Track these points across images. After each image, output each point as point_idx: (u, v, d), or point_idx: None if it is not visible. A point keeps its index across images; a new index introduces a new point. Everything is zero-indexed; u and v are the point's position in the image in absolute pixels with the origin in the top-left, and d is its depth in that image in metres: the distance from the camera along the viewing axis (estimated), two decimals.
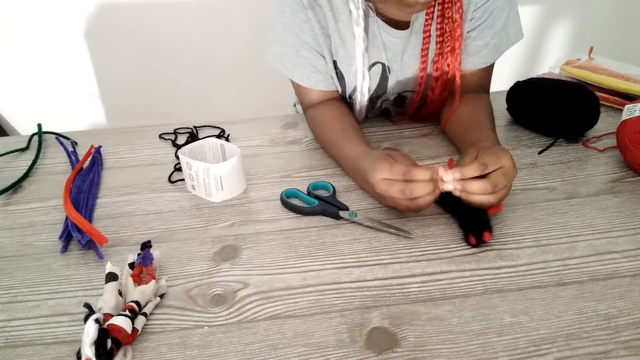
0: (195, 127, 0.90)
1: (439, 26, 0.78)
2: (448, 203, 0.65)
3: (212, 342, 0.50)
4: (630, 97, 0.89)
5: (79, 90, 1.76)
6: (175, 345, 0.49)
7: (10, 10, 1.59)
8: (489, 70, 0.84)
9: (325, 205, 0.67)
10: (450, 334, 0.49)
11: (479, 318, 0.51)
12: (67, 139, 0.89)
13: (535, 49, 1.88)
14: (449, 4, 0.75)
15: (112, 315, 0.49)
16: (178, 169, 0.79)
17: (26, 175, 0.79)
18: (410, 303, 0.53)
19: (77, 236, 0.62)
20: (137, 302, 0.51)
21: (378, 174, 0.62)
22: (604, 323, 0.49)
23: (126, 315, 0.49)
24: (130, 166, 0.81)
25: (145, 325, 0.51)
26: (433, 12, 0.77)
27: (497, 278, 0.55)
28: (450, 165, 0.74)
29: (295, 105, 1.14)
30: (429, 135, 0.85)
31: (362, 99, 0.82)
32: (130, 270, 0.55)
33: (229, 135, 0.88)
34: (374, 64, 0.81)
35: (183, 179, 0.74)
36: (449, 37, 0.77)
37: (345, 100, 0.86)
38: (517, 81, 0.87)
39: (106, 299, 0.51)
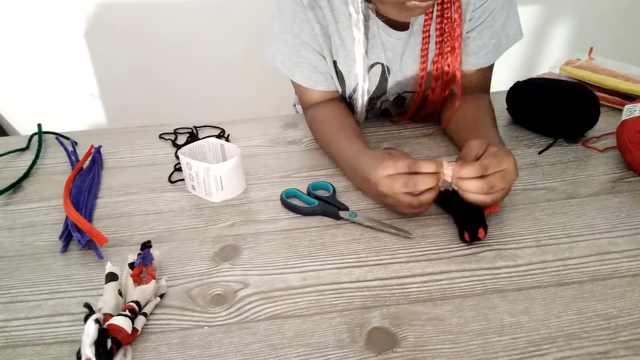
0: (195, 127, 0.90)
1: (438, 26, 0.78)
2: (446, 201, 0.66)
3: (212, 342, 0.50)
4: (630, 97, 0.89)
5: (79, 90, 1.76)
6: (175, 345, 0.49)
7: (11, 10, 1.59)
8: (489, 70, 0.84)
9: (325, 206, 0.67)
10: (450, 334, 0.49)
11: (479, 318, 0.51)
12: (67, 139, 0.89)
13: (535, 49, 1.88)
14: (448, 4, 0.75)
15: (112, 315, 0.49)
16: (178, 169, 0.79)
17: (26, 175, 0.79)
18: (410, 303, 0.53)
19: (77, 236, 0.62)
20: (137, 302, 0.51)
21: (381, 171, 0.61)
22: (604, 323, 0.49)
23: (126, 315, 0.49)
24: (130, 166, 0.81)
25: (145, 325, 0.51)
26: (432, 12, 0.77)
27: (497, 278, 0.55)
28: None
29: (295, 105, 1.13)
30: (429, 136, 0.85)
31: (362, 100, 0.82)
32: (130, 270, 0.55)
33: (229, 135, 0.88)
34: (373, 65, 0.81)
35: (183, 179, 0.74)
36: (448, 37, 0.77)
37: (345, 100, 0.86)
38: (517, 81, 0.87)
39: (106, 299, 0.51)
